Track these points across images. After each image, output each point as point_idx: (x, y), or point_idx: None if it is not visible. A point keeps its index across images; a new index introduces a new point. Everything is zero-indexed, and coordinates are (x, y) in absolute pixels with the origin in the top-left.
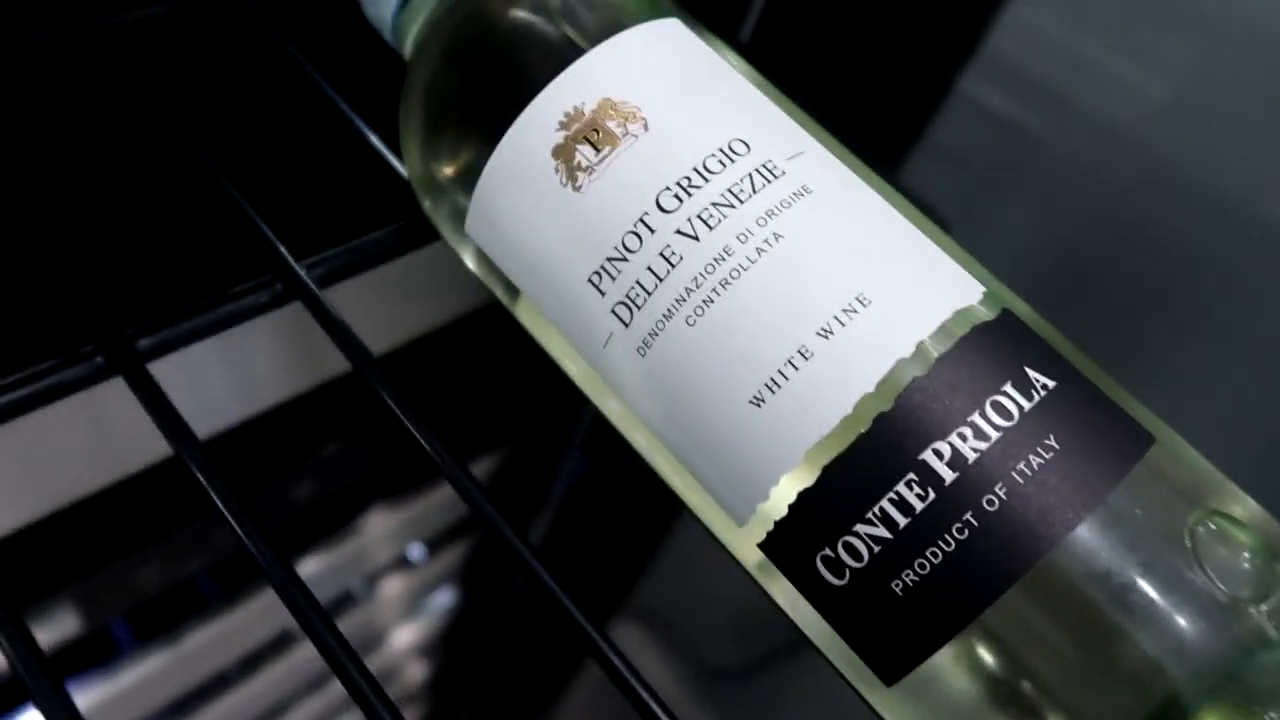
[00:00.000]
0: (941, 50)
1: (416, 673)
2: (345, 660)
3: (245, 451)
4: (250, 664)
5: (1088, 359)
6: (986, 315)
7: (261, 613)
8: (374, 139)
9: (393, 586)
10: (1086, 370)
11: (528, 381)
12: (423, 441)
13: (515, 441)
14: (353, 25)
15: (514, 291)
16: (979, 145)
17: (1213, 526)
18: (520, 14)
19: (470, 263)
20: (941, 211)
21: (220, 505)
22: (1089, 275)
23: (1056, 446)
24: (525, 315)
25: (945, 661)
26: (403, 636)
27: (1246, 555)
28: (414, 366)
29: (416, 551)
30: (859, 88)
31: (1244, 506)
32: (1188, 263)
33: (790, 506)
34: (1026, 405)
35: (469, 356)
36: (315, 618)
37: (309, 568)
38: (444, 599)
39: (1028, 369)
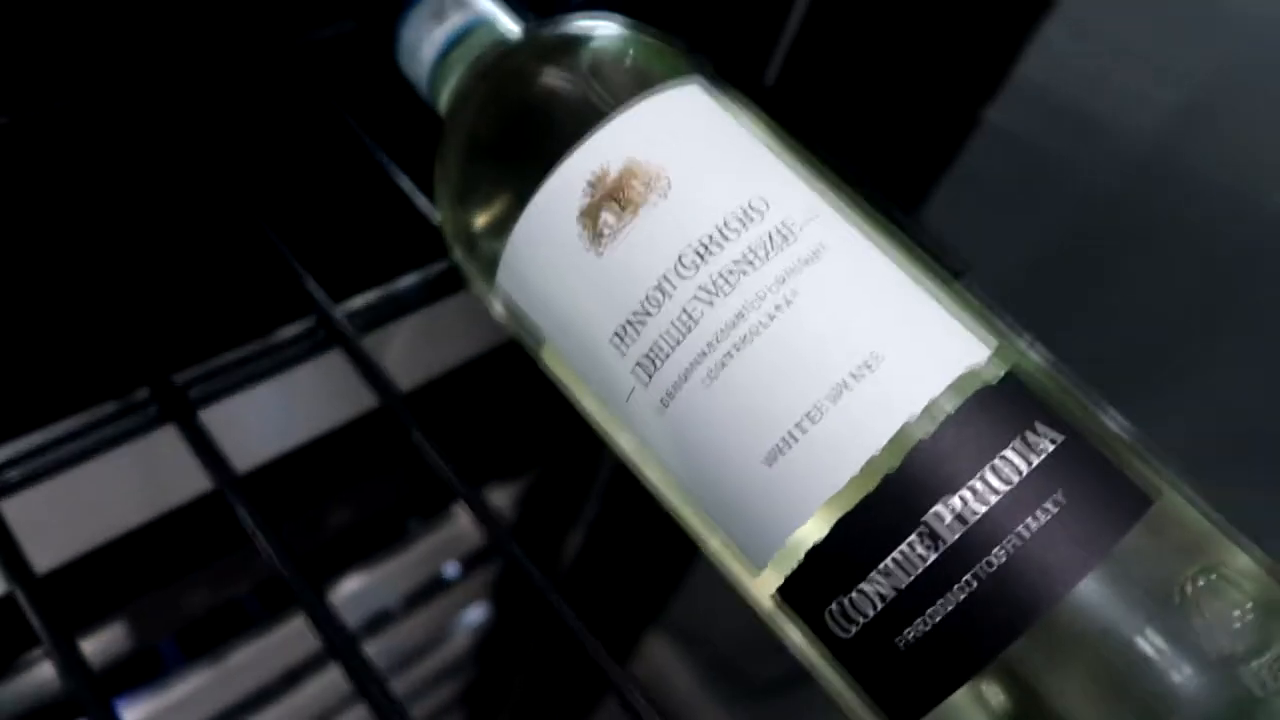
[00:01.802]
0: (966, 80)
1: (450, 689)
2: (368, 681)
3: (286, 480)
4: (291, 679)
5: (1095, 414)
6: (994, 374)
7: (303, 630)
8: (410, 190)
9: (428, 605)
10: (1092, 427)
11: (561, 403)
12: (450, 479)
13: (551, 457)
14: (393, 82)
15: (540, 341)
16: (1004, 171)
17: (1206, 584)
18: (550, 79)
19: (498, 311)
20: (959, 252)
21: (261, 537)
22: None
23: (1057, 506)
24: (551, 363)
25: (952, 712)
26: (438, 653)
27: (1240, 612)
28: (455, 389)
29: (452, 570)
30: (885, 121)
31: (1245, 562)
32: (1218, 271)
33: (801, 561)
34: (1030, 465)
35: (508, 378)
36: (341, 641)
37: (348, 587)
38: (476, 615)
39: (1031, 430)
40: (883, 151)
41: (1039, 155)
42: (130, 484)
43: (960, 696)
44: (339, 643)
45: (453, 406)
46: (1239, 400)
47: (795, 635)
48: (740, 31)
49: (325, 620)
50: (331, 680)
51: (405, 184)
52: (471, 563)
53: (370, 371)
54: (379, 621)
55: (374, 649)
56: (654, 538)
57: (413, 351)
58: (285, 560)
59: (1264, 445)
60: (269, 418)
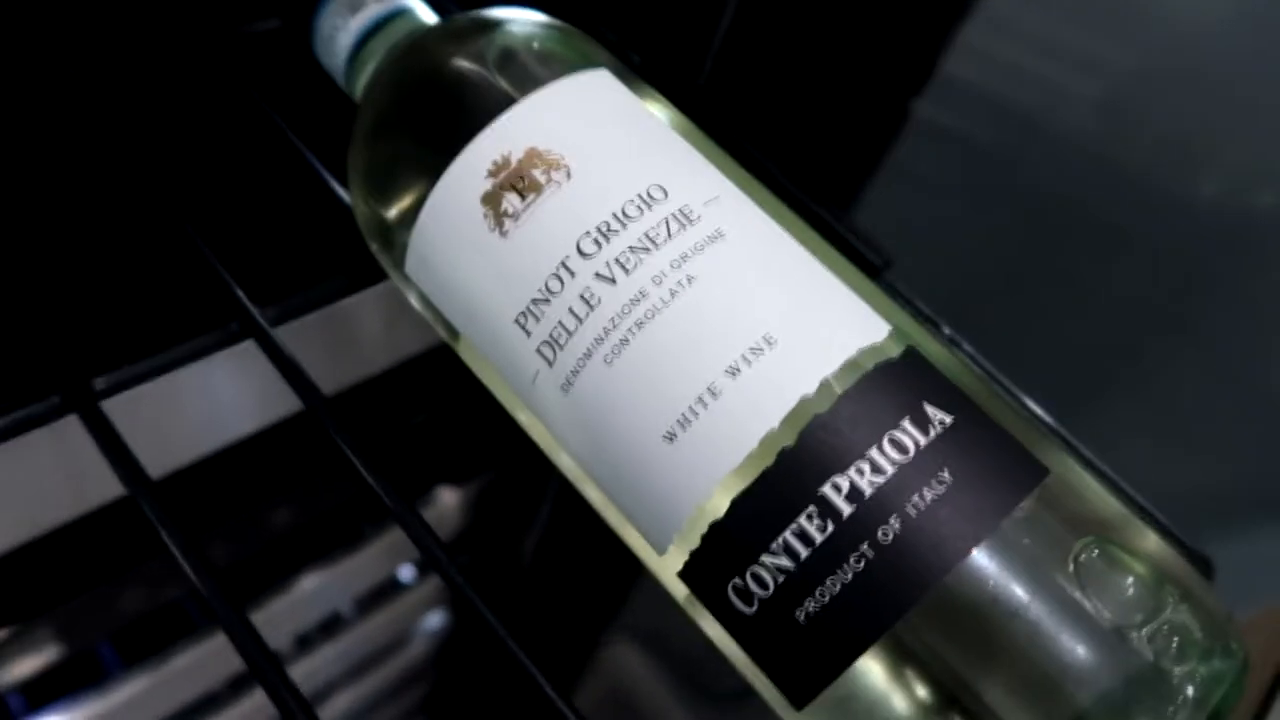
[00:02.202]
0: (898, 77)
1: (411, 697)
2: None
3: (226, 478)
4: (238, 685)
5: (994, 394)
6: (891, 353)
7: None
8: (335, 185)
9: (384, 608)
10: (989, 405)
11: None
12: (375, 486)
13: (505, 457)
14: (316, 74)
15: (454, 332)
16: (933, 165)
17: (1098, 554)
18: (458, 64)
19: (415, 303)
20: (883, 245)
21: (171, 545)
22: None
23: (950, 480)
24: (465, 353)
25: (852, 686)
26: (396, 659)
27: (1130, 581)
28: (402, 392)
29: (407, 573)
30: (819, 118)
31: (1140, 533)
32: (1147, 258)
33: (703, 537)
34: (923, 440)
35: (456, 378)
36: (260, 662)
37: (301, 587)
38: (435, 621)
39: (927, 405)
40: (815, 147)
41: (967, 148)
42: (55, 480)
43: (861, 670)
44: (258, 663)
45: (401, 406)
46: (1164, 384)
47: (708, 618)
48: (673, 32)
49: (244, 639)
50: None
51: (331, 180)
52: (426, 567)
53: (289, 369)
54: (332, 625)
55: (329, 653)
56: (609, 538)
57: (358, 346)
58: (200, 573)
59: (1182, 420)
60: (208, 413)
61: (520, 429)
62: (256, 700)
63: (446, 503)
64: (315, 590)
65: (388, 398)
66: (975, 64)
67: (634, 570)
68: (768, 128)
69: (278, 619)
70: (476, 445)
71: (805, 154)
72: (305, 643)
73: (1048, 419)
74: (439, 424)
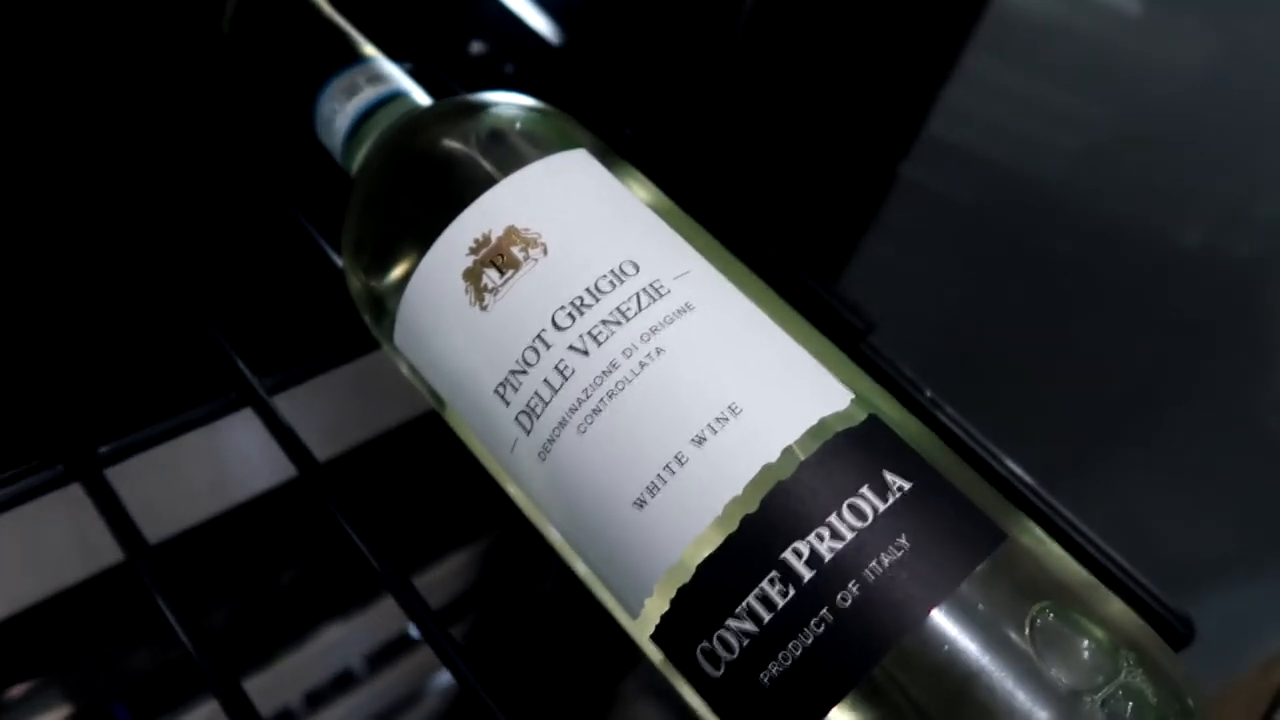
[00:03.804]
0: (883, 140)
1: None
2: None
3: (244, 535)
4: None
5: (955, 459)
6: (853, 421)
7: (260, 689)
8: (334, 255)
9: (395, 665)
10: (952, 471)
11: None
12: (365, 551)
13: (511, 513)
14: (317, 153)
15: (441, 400)
16: (923, 226)
17: (1053, 618)
18: (445, 144)
19: (405, 371)
20: (865, 313)
21: (166, 611)
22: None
23: (908, 545)
24: (453, 421)
25: None
26: (407, 715)
27: (1085, 645)
28: (413, 448)
29: (416, 630)
30: (807, 183)
31: (1102, 600)
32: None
33: (671, 601)
34: (881, 506)
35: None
36: None
37: (310, 646)
38: (447, 677)
39: (886, 472)
40: (804, 210)
41: (952, 208)
42: (68, 539)
43: None
44: None
45: (409, 464)
46: (1153, 440)
47: (683, 682)
48: (664, 102)
49: (235, 708)
50: None
51: (331, 252)
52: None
53: (285, 437)
54: (345, 682)
55: (341, 710)
56: None
57: (368, 405)
58: (196, 642)
59: (1172, 475)
60: (218, 473)
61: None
62: None
63: (456, 559)
64: (327, 647)
65: (391, 460)
66: (957, 124)
67: None
68: (758, 195)
69: (289, 676)
70: (485, 502)
71: (795, 220)
72: (317, 700)
73: (1028, 479)
74: (445, 482)
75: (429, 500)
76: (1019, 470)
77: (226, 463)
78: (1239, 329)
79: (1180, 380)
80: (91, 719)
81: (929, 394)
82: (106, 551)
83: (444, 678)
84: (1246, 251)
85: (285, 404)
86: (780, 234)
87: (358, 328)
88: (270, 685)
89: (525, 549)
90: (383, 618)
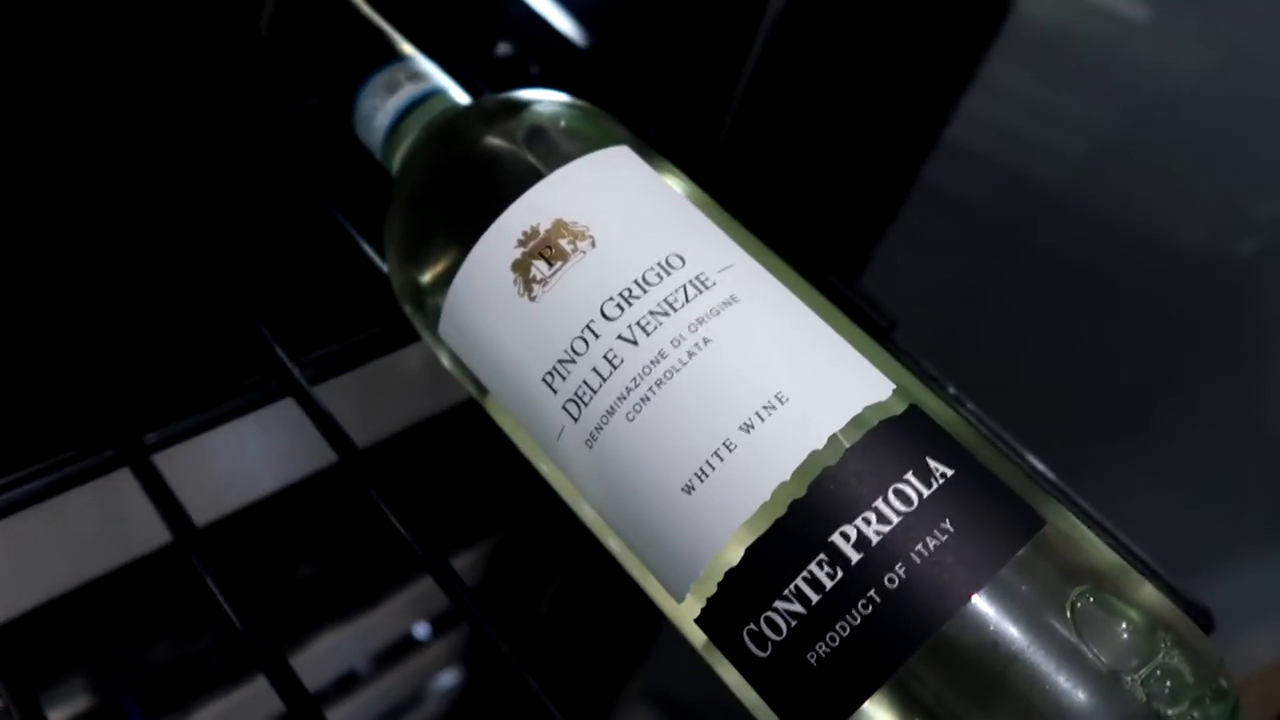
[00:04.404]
0: (904, 143)
1: None
2: None
3: (256, 533)
4: None
5: (993, 450)
6: (895, 410)
7: (262, 694)
8: (368, 249)
9: (399, 666)
10: (989, 459)
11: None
12: (410, 540)
13: (522, 514)
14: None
15: (483, 389)
16: (942, 228)
17: (1093, 601)
18: (490, 141)
19: (446, 362)
20: (888, 310)
21: (215, 591)
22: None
23: (951, 530)
24: (494, 410)
25: None
26: (410, 716)
27: (1124, 627)
28: (422, 448)
29: (422, 630)
30: (829, 186)
31: (1135, 584)
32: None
33: (719, 585)
34: (926, 492)
35: (474, 438)
36: (305, 710)
37: (316, 647)
38: (449, 679)
39: (929, 459)
40: (826, 213)
41: (969, 211)
42: (90, 534)
43: (869, 713)
44: (302, 711)
45: (424, 463)
46: (1164, 435)
47: (725, 665)
48: (688, 106)
49: (288, 688)
50: None
51: (366, 247)
52: (442, 623)
53: (326, 424)
54: (348, 682)
55: (344, 711)
56: (627, 595)
57: (382, 404)
58: (245, 622)
59: (1183, 469)
60: (242, 469)
61: (532, 489)
62: None
63: (459, 562)
64: (331, 648)
65: (396, 464)
66: (974, 129)
67: (650, 631)
68: (780, 195)
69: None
70: (489, 505)
71: (816, 220)
72: (321, 700)
73: (1049, 474)
74: (450, 485)
75: (434, 502)
76: (1040, 465)
77: (233, 464)
78: (1239, 325)
79: (1180, 376)
80: (103, 714)
81: (952, 390)
82: (115, 550)
83: (447, 679)
84: (1250, 249)
85: (283, 410)
86: (802, 234)
87: (395, 320)
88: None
89: (529, 553)
90: (387, 618)
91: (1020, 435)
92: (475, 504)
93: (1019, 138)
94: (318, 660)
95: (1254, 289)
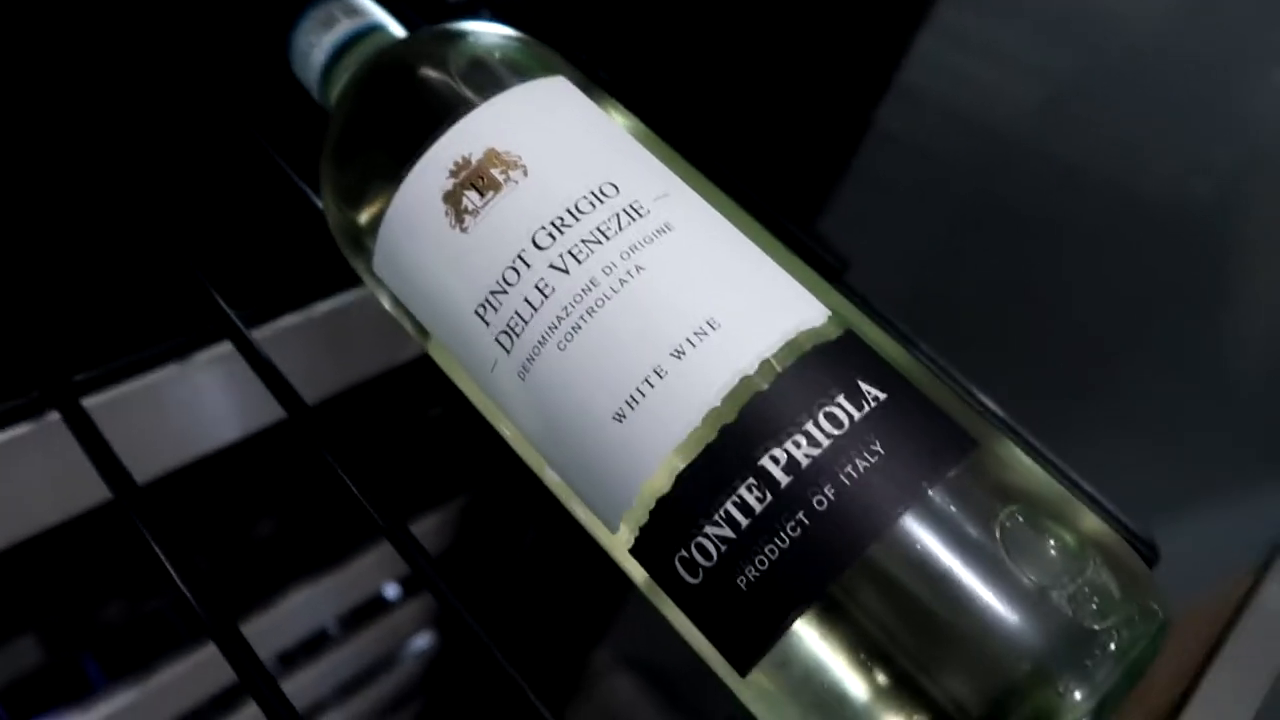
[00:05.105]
0: (857, 87)
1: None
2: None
3: (216, 485)
4: (225, 700)
5: (928, 373)
6: (830, 335)
7: None
8: (308, 190)
9: (370, 627)
10: (923, 383)
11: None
12: (367, 508)
13: (489, 475)
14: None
15: (424, 331)
16: (892, 171)
17: (1022, 520)
18: (423, 71)
19: (387, 304)
20: (839, 251)
21: (159, 553)
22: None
23: (881, 451)
24: (434, 350)
25: (792, 650)
26: (384, 680)
27: (1052, 544)
28: (384, 403)
29: (392, 591)
30: (783, 130)
31: (1069, 506)
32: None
33: (650, 512)
34: (857, 415)
35: (440, 392)
36: (255, 676)
37: (283, 606)
38: (423, 642)
39: (861, 382)
40: (780, 157)
41: (924, 155)
42: (38, 485)
43: (799, 634)
44: (253, 678)
45: (387, 419)
46: (1120, 380)
47: (667, 604)
48: (641, 50)
49: (236, 654)
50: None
51: (307, 189)
52: (412, 584)
53: (266, 371)
54: (318, 643)
55: (315, 673)
56: (596, 555)
57: (342, 356)
58: (190, 584)
59: (1138, 412)
60: (184, 422)
61: (502, 446)
62: (244, 715)
63: (426, 522)
64: (298, 606)
65: (360, 417)
66: (928, 72)
67: (621, 593)
68: (732, 140)
69: (260, 636)
70: (457, 463)
71: (770, 166)
72: (289, 661)
73: (999, 411)
74: (418, 442)
75: (399, 461)
76: (989, 402)
77: (192, 412)
78: (1199, 271)
79: (1141, 322)
80: (61, 672)
81: (903, 329)
82: (75, 497)
83: (420, 642)
84: (1205, 192)
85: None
86: (755, 178)
87: (336, 266)
88: None
89: (498, 516)
90: (357, 577)
91: (977, 381)
92: (443, 462)
93: (976, 83)
94: (285, 620)
95: (1212, 232)
